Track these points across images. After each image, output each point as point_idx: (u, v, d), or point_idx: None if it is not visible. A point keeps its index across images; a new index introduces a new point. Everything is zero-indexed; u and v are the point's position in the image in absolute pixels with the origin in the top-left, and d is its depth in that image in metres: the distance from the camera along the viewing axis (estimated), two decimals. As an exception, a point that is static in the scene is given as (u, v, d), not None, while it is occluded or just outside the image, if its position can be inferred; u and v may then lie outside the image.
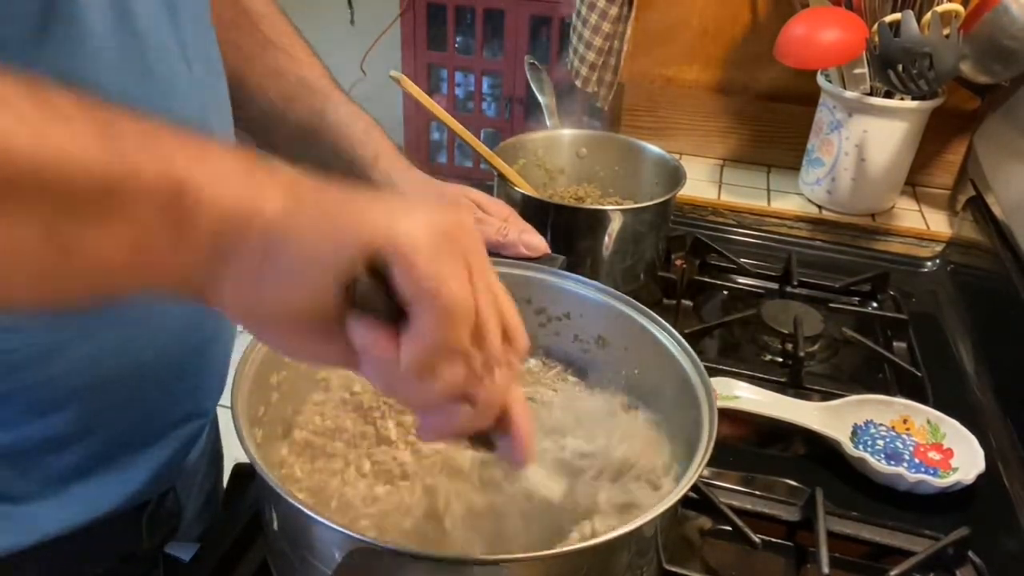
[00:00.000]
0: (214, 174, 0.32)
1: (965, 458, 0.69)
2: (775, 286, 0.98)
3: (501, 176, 0.88)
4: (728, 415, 0.73)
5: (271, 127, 0.74)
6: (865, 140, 1.08)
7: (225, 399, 0.50)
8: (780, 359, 0.87)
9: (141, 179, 0.30)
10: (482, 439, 0.41)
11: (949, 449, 0.71)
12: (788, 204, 1.17)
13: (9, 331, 0.48)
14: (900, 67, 0.93)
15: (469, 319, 0.35)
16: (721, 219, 1.15)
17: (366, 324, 0.34)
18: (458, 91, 3.09)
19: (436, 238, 0.34)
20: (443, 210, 0.35)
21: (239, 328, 0.40)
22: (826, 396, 0.77)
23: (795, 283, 0.96)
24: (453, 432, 0.39)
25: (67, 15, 0.44)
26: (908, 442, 0.72)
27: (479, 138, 0.85)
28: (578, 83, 1.29)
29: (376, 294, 0.34)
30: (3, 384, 0.50)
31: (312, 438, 0.57)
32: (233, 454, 0.48)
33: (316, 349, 0.36)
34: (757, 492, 0.67)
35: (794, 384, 0.80)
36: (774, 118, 1.25)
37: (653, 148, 0.98)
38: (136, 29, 0.48)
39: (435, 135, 3.17)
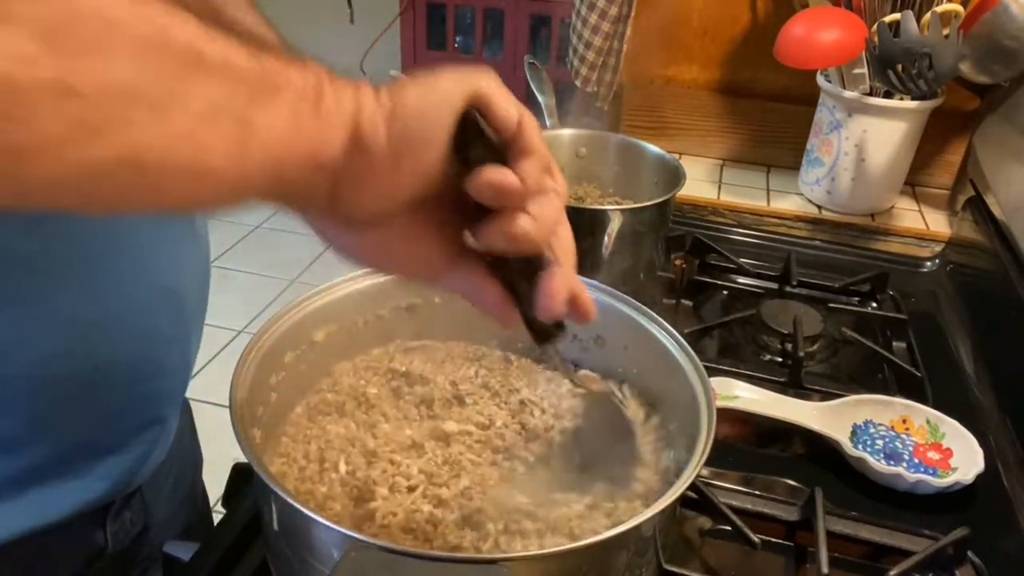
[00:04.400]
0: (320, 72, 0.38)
1: (964, 458, 0.70)
2: (775, 286, 0.98)
3: (501, 176, 0.88)
4: (727, 415, 0.73)
5: None
6: (865, 140, 1.08)
7: (223, 399, 0.50)
8: (779, 359, 0.87)
9: (284, 77, 0.36)
10: (545, 329, 0.46)
11: (948, 449, 0.71)
12: (788, 204, 1.17)
13: None
14: (900, 67, 0.93)
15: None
16: (721, 219, 1.15)
17: (484, 171, 0.39)
18: (458, 91, 3.08)
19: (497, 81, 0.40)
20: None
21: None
22: (825, 396, 0.77)
23: (794, 283, 0.96)
24: (517, 237, 0.41)
25: None
26: (907, 442, 0.73)
27: (479, 138, 0.85)
28: (578, 83, 1.29)
29: (479, 140, 0.39)
30: None
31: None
32: (232, 454, 0.48)
33: (420, 249, 0.42)
34: (756, 492, 0.67)
35: (793, 384, 0.80)
36: (774, 118, 1.25)
37: (653, 148, 0.98)
38: None
39: (435, 135, 3.16)
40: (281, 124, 0.35)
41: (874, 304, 0.98)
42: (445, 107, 0.38)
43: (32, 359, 0.51)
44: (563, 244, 0.45)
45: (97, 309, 0.48)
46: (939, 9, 0.92)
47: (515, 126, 0.40)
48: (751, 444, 0.75)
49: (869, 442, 0.73)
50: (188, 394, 0.69)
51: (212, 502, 0.83)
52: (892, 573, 0.58)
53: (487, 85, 0.39)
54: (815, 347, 0.88)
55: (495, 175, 0.39)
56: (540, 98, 1.03)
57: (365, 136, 0.37)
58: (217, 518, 0.62)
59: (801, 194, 1.20)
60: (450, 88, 0.38)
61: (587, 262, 0.85)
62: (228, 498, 0.65)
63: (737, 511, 0.62)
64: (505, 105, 0.40)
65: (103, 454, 0.58)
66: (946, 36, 0.91)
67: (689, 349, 0.57)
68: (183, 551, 0.58)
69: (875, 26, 0.95)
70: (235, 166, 0.35)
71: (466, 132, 0.39)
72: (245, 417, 0.50)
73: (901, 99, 1.05)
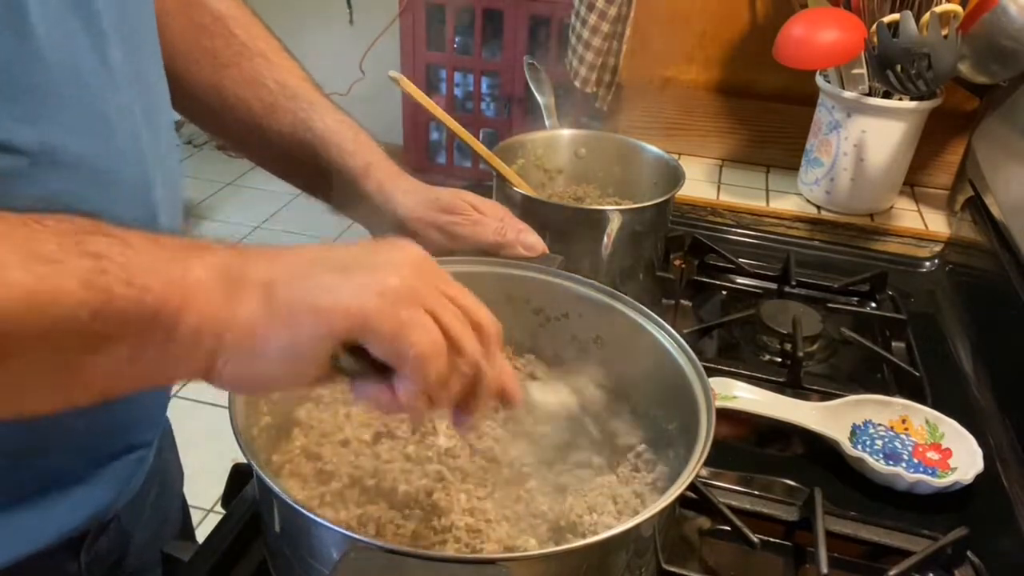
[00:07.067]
0: (187, 292, 0.37)
1: (963, 458, 0.70)
2: (774, 286, 0.98)
3: (500, 176, 0.89)
4: (727, 415, 0.73)
5: (255, 139, 0.71)
6: (864, 140, 1.08)
7: (223, 399, 0.50)
8: (779, 359, 0.87)
9: (121, 312, 0.36)
10: None
11: (948, 449, 0.71)
12: (787, 204, 1.17)
13: None
14: (899, 67, 0.93)
15: (443, 352, 0.40)
16: (720, 219, 1.15)
17: (362, 388, 0.41)
18: (457, 91, 3.09)
19: (393, 302, 0.39)
20: (392, 262, 0.41)
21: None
22: (825, 396, 0.77)
23: (794, 283, 0.96)
24: (476, 421, 0.45)
25: None
26: (907, 442, 0.73)
27: (478, 138, 0.85)
28: (577, 83, 1.29)
29: (359, 363, 0.40)
30: None
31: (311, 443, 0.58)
32: (232, 454, 0.48)
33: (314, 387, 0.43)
34: (756, 492, 0.67)
35: (793, 384, 0.80)
36: (773, 118, 1.25)
37: (652, 148, 0.98)
38: (35, 45, 0.44)
39: (434, 135, 3.17)
40: (112, 366, 0.37)
41: (873, 304, 0.98)
42: (307, 360, 0.39)
43: None
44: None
45: None
46: (938, 9, 0.92)
47: (395, 361, 0.40)
48: (750, 444, 0.75)
49: (868, 442, 0.73)
50: (187, 395, 0.69)
51: (212, 502, 0.83)
52: (891, 573, 0.58)
53: (367, 321, 0.38)
54: (814, 347, 0.88)
55: (373, 398, 0.41)
56: (540, 98, 1.03)
57: (217, 375, 0.39)
58: (217, 518, 0.62)
59: (800, 194, 1.20)
60: (320, 334, 0.38)
61: (586, 262, 0.85)
62: (228, 498, 0.65)
63: (736, 511, 0.62)
64: (383, 346, 0.39)
65: (75, 485, 0.56)
66: (945, 36, 0.91)
67: (688, 349, 0.57)
68: (183, 551, 0.58)
69: (874, 26, 0.95)
70: (59, 399, 0.37)
71: (339, 360, 0.39)
72: (245, 418, 0.50)
73: (900, 99, 1.05)
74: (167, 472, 0.73)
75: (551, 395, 0.59)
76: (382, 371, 0.40)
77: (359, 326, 0.38)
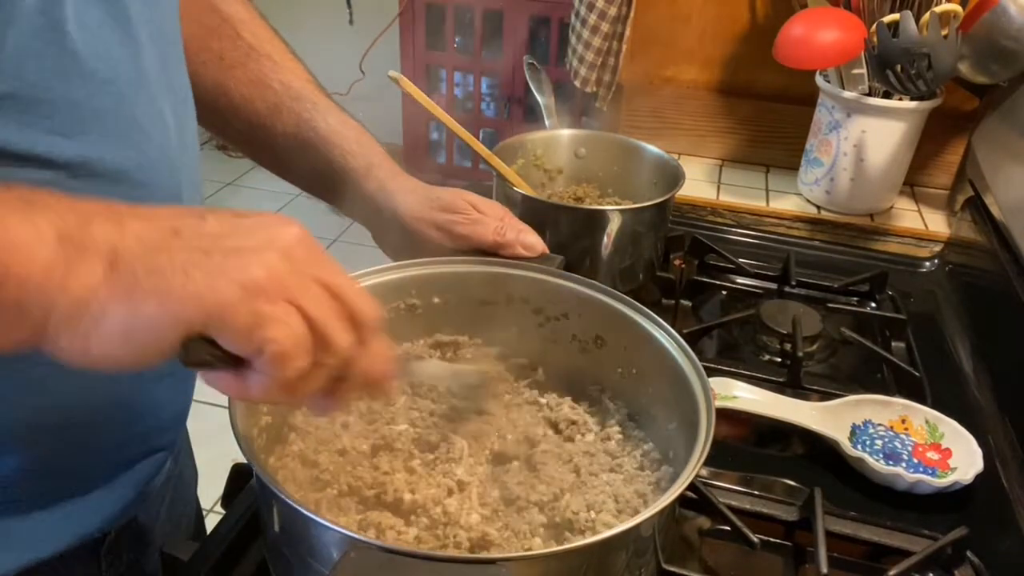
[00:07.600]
0: (11, 252, 0.34)
1: (963, 458, 0.70)
2: (774, 286, 0.98)
3: (500, 176, 0.89)
4: (727, 415, 0.73)
5: (258, 139, 0.72)
6: (864, 140, 1.08)
7: (223, 399, 0.50)
8: (779, 359, 0.87)
9: None
10: None
11: (947, 449, 0.71)
12: (787, 204, 1.17)
13: None
14: (899, 67, 0.93)
15: (304, 349, 0.38)
16: (720, 219, 1.15)
17: (211, 377, 0.39)
18: (457, 91, 3.09)
19: (253, 294, 0.36)
20: (262, 246, 0.37)
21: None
22: (825, 396, 0.77)
23: (794, 283, 0.96)
24: (336, 408, 0.44)
25: None
26: (906, 442, 0.73)
27: (478, 138, 0.85)
28: (577, 83, 1.29)
29: (209, 352, 0.37)
30: None
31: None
32: (232, 454, 0.48)
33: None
34: (756, 492, 0.67)
35: (793, 384, 0.80)
36: (773, 118, 1.25)
37: (652, 148, 0.98)
38: (75, 59, 0.45)
39: (434, 135, 3.17)
40: None
41: (873, 304, 0.98)
42: (147, 344, 0.35)
43: (29, 409, 0.50)
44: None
45: None
46: (938, 9, 0.92)
47: (249, 356, 0.37)
48: (750, 444, 0.75)
49: (868, 442, 0.73)
50: (187, 394, 0.69)
51: (212, 502, 0.83)
52: (891, 573, 0.58)
53: (221, 314, 0.35)
54: (814, 347, 0.88)
55: (223, 387, 0.39)
56: (539, 98, 1.03)
57: (52, 346, 0.36)
58: (217, 518, 0.62)
59: (800, 194, 1.20)
60: (165, 321, 0.35)
61: (586, 262, 0.86)
62: (228, 498, 0.65)
63: (736, 511, 0.62)
64: (237, 342, 0.36)
65: (99, 488, 0.57)
66: (945, 36, 0.91)
67: (688, 349, 0.57)
68: (183, 551, 0.58)
69: (874, 26, 0.95)
70: None
71: (187, 348, 0.36)
72: (245, 419, 0.50)
73: (900, 99, 1.05)
74: (183, 474, 0.74)
75: (445, 369, 0.58)
76: (237, 360, 0.38)
77: (212, 319, 0.35)
